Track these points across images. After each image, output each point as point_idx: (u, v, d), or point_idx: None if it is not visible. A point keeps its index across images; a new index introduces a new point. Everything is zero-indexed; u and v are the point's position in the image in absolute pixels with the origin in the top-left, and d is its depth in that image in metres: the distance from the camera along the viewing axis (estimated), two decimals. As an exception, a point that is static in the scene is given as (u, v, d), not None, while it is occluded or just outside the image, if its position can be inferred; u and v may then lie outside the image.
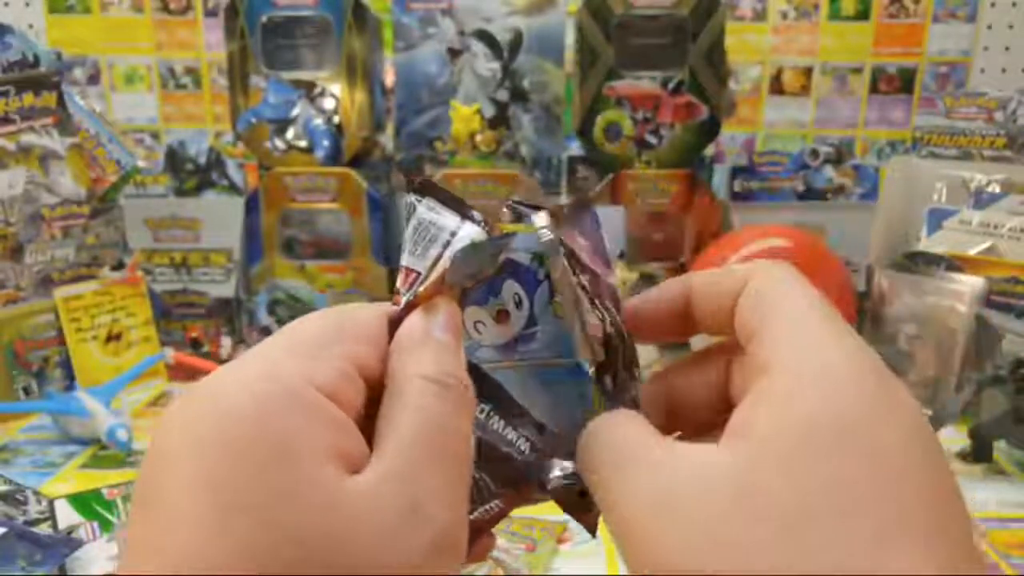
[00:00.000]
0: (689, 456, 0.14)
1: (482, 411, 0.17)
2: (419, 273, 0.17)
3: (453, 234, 0.17)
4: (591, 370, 0.18)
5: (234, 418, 0.13)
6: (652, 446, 0.15)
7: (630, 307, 0.19)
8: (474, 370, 0.17)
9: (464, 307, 0.18)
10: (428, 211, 0.17)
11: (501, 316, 0.18)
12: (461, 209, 0.17)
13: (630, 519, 0.14)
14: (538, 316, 0.18)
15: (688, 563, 0.13)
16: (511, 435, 0.17)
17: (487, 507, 0.17)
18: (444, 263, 0.17)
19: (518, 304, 0.18)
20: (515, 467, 0.17)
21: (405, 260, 0.17)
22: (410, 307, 0.17)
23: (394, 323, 0.17)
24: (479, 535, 0.17)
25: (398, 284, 0.17)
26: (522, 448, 0.17)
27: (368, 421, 0.15)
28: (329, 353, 0.15)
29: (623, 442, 0.16)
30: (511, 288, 0.18)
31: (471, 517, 0.16)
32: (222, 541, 0.12)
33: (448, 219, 0.17)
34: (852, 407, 0.13)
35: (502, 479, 0.17)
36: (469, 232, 0.17)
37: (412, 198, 0.17)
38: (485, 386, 0.18)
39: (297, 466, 0.13)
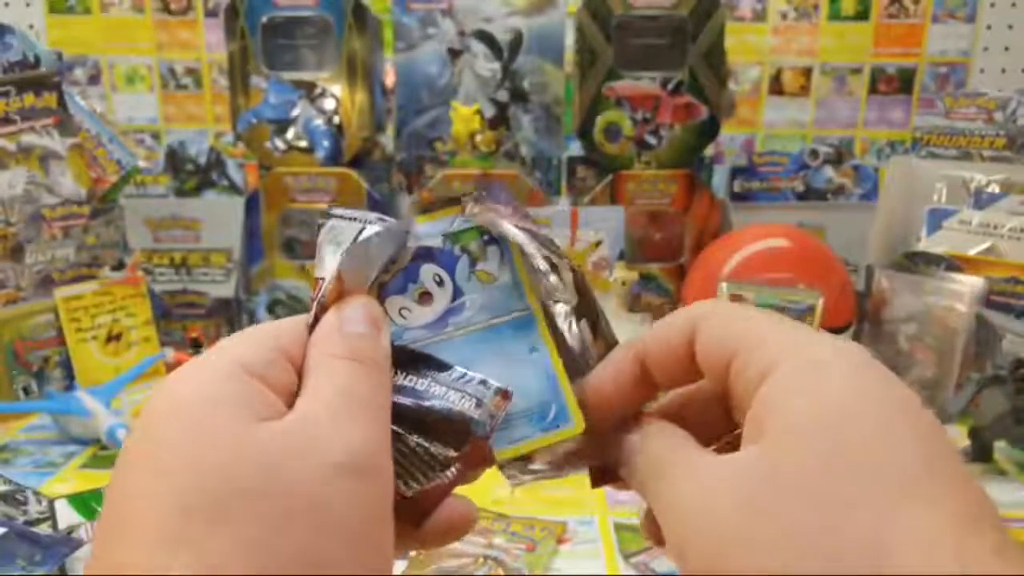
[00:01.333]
0: (723, 460, 0.16)
1: (420, 383, 0.19)
2: (324, 279, 0.19)
3: (355, 239, 0.19)
4: (539, 317, 0.20)
5: (177, 396, 0.16)
6: (691, 451, 0.17)
7: (590, 387, 0.20)
8: (401, 351, 0.19)
9: (384, 298, 0.20)
10: (330, 230, 0.19)
11: (423, 298, 0.20)
12: (364, 218, 0.19)
13: (679, 520, 0.16)
14: (463, 287, 0.20)
15: (736, 552, 0.14)
16: (454, 396, 0.18)
17: (446, 473, 0.18)
18: (338, 264, 0.18)
19: (439, 283, 0.20)
20: (464, 425, 0.18)
21: (315, 271, 0.19)
22: (322, 309, 0.18)
23: (311, 327, 0.18)
24: (443, 497, 0.18)
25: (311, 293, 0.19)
26: (467, 406, 0.18)
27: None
28: (259, 345, 0.17)
29: (665, 452, 0.18)
30: (429, 271, 0.20)
31: (428, 485, 0.18)
32: (159, 493, 0.14)
33: (349, 229, 0.19)
34: (847, 394, 0.15)
35: (454, 441, 0.18)
36: (367, 233, 0.19)
37: (319, 220, 0.19)
38: (418, 361, 0.19)
39: (210, 418, 0.15)
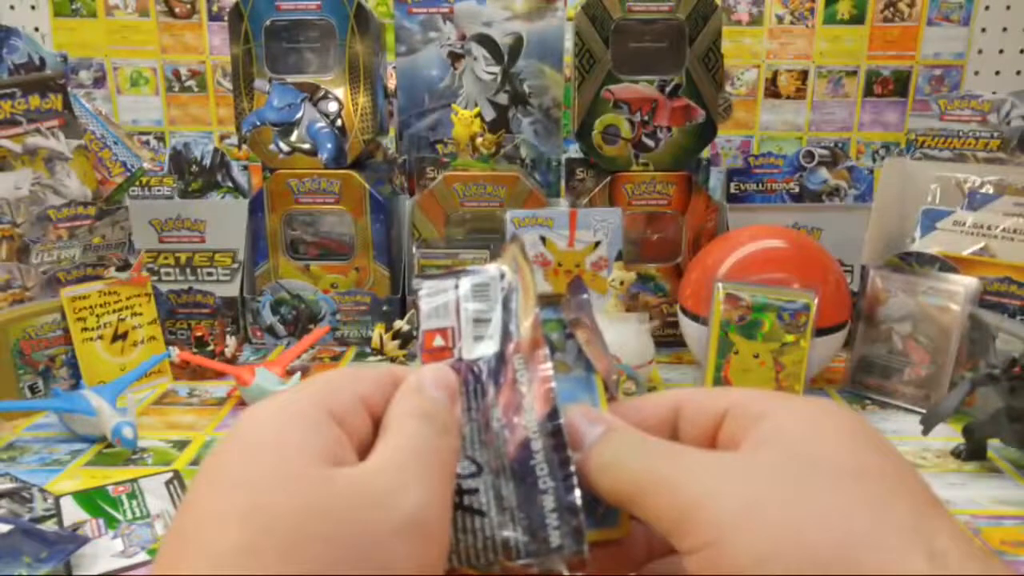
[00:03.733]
0: (726, 453, 0.18)
1: (541, 469, 0.18)
2: (450, 328, 0.20)
3: (456, 287, 0.20)
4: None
5: (258, 432, 0.17)
6: (681, 445, 0.18)
7: (624, 413, 0.20)
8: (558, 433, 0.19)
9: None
10: (430, 290, 0.21)
11: None
12: (454, 273, 0.21)
13: (684, 501, 0.16)
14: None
15: (744, 531, 0.15)
16: (535, 517, 0.18)
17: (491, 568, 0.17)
18: (536, 310, 0.19)
19: None
20: (527, 555, 0.17)
21: (428, 326, 0.20)
22: (520, 347, 0.19)
23: (455, 373, 0.19)
24: None
25: (436, 343, 0.20)
26: (553, 541, 0.17)
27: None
28: (343, 389, 0.18)
29: (654, 440, 0.18)
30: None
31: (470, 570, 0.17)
32: (224, 520, 0.15)
33: (447, 282, 0.21)
34: (814, 418, 0.18)
35: (513, 554, 0.17)
36: (483, 274, 0.20)
37: (415, 292, 0.20)
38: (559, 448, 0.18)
39: (289, 460, 0.16)
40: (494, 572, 0.18)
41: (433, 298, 0.20)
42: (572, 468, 0.18)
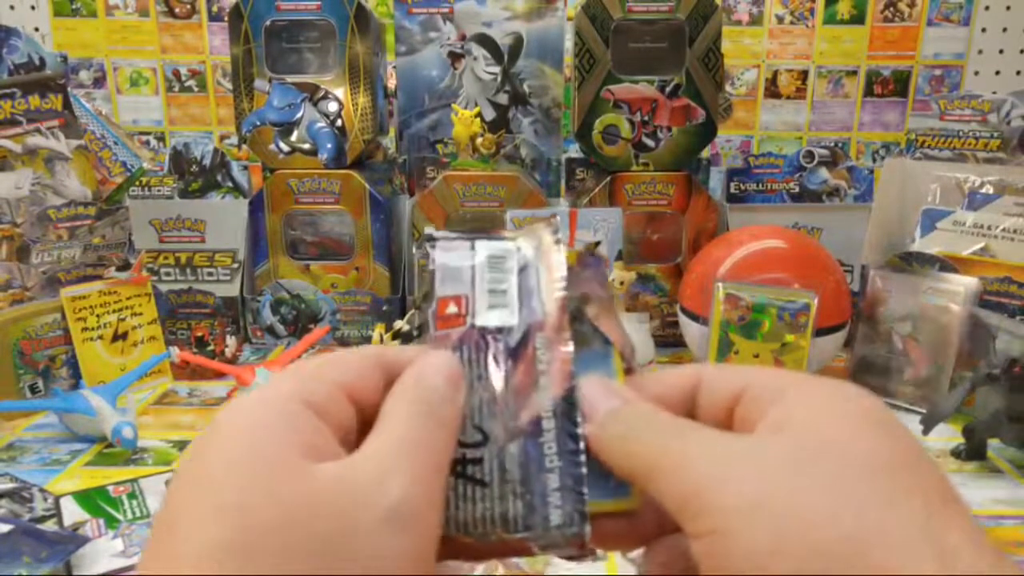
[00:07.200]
0: (739, 436, 0.17)
1: (549, 445, 0.18)
2: (465, 296, 0.19)
3: (473, 252, 0.20)
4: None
5: (235, 428, 0.16)
6: (695, 424, 0.18)
7: (643, 386, 0.20)
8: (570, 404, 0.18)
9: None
10: (444, 246, 0.20)
11: None
12: (468, 236, 0.20)
13: (692, 484, 0.16)
14: None
15: (750, 521, 0.15)
16: (539, 494, 0.17)
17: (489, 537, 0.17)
18: (561, 291, 0.19)
19: None
20: (526, 530, 0.17)
21: (443, 292, 0.19)
22: (544, 326, 0.19)
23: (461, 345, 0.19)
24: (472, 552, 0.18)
25: (450, 311, 0.19)
26: (554, 520, 0.17)
27: (360, 438, 0.17)
28: (322, 378, 0.17)
29: (667, 417, 0.18)
30: None
31: (466, 539, 0.17)
32: (202, 519, 0.15)
33: (462, 243, 0.20)
34: (842, 419, 0.17)
35: (513, 528, 0.17)
36: (500, 244, 0.20)
37: (425, 248, 0.20)
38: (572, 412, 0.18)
39: (265, 456, 0.15)
40: (490, 542, 0.17)
41: (447, 255, 0.20)
42: (582, 448, 0.18)
